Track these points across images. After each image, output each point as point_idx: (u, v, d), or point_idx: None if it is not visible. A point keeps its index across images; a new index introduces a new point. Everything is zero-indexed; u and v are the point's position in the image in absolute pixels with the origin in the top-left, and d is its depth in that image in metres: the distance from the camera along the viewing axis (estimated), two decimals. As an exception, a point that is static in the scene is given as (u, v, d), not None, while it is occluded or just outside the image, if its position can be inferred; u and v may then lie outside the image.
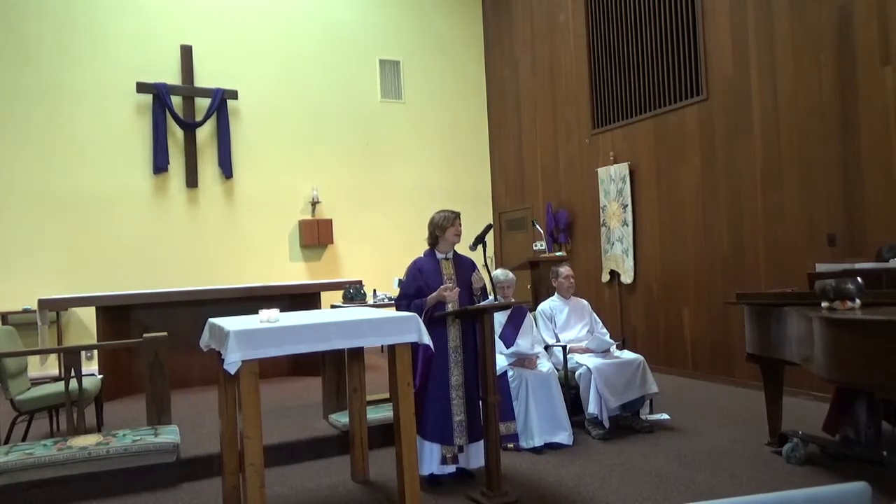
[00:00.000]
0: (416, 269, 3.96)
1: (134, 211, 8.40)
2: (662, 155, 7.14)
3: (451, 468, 3.81)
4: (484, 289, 3.98)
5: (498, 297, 4.61)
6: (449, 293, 3.78)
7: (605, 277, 7.96)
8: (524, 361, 4.58)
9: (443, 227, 3.92)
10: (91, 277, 7.98)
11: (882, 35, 5.02)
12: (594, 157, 8.17)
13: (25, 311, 7.55)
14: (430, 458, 3.77)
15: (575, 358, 4.85)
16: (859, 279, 3.47)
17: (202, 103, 8.77)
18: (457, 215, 3.96)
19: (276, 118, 9.20)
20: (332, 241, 9.29)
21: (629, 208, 7.54)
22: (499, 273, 4.77)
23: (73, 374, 4.39)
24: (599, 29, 8.01)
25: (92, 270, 8.06)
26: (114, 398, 6.07)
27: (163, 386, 4.56)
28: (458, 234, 3.96)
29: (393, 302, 6.97)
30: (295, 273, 9.17)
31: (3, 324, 7.22)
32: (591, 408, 4.58)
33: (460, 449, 3.79)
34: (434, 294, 3.78)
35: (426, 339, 3.33)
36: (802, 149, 5.65)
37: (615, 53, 7.78)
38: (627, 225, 7.57)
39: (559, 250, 8.21)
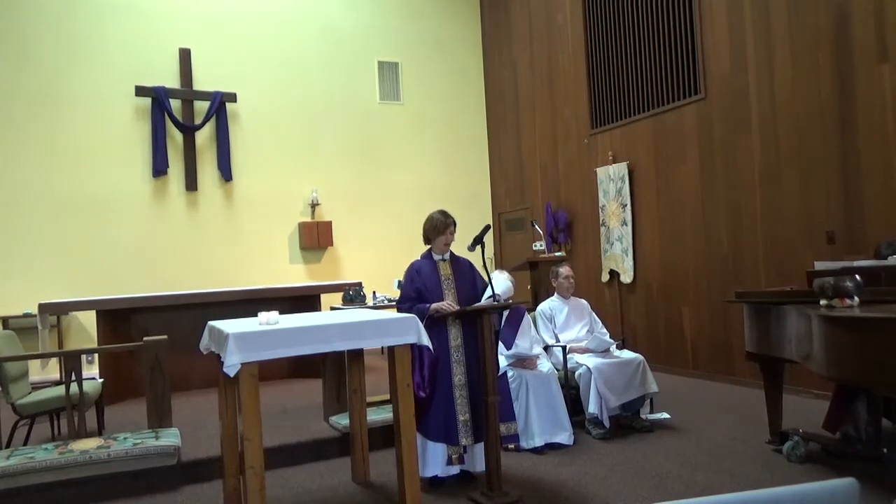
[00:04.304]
0: (413, 271, 3.97)
1: (133, 214, 8.41)
2: (661, 154, 7.15)
3: (455, 469, 3.81)
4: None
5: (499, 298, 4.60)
6: (448, 308, 3.76)
7: (605, 277, 7.97)
8: (524, 362, 4.59)
9: (435, 232, 3.94)
10: (91, 281, 7.99)
11: (879, 33, 5.03)
12: (593, 156, 8.18)
13: (26, 315, 7.57)
14: (435, 459, 3.76)
15: (575, 358, 4.85)
16: (858, 277, 3.47)
17: (201, 106, 8.78)
18: (450, 224, 3.94)
19: (275, 121, 9.21)
20: (331, 243, 9.30)
21: (628, 208, 7.54)
22: (499, 281, 4.72)
23: (73, 377, 4.39)
24: (597, 29, 8.02)
25: (92, 274, 8.07)
26: (114, 402, 6.08)
27: (163, 389, 4.57)
28: (448, 244, 3.95)
29: (392, 303, 6.99)
30: (295, 275, 9.18)
31: (4, 328, 7.22)
32: (592, 408, 4.59)
33: (465, 449, 3.79)
34: (434, 305, 3.79)
35: (425, 341, 3.34)
36: (801, 147, 5.65)
37: (613, 53, 7.79)
38: (627, 224, 7.58)
39: (559, 250, 8.22)
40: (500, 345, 4.53)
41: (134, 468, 3.92)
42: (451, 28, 10.38)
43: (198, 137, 8.77)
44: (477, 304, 3.79)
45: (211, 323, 3.48)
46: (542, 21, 9.07)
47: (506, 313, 4.23)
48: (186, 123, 8.65)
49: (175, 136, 8.68)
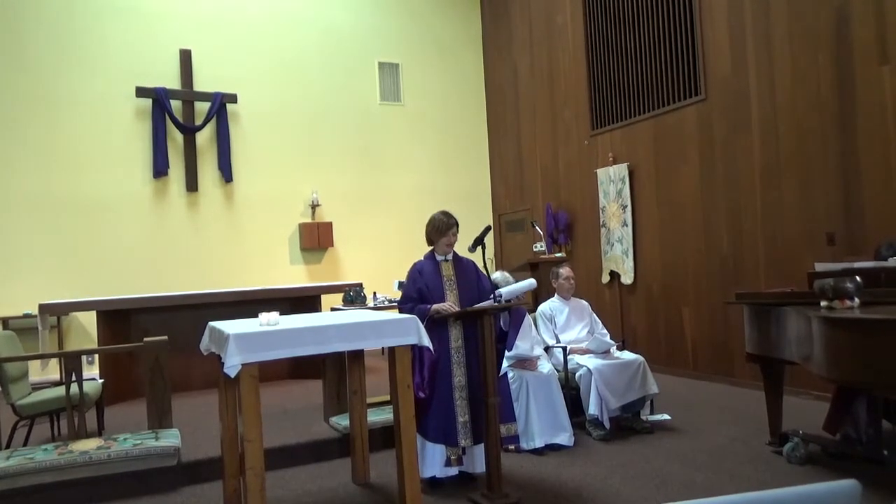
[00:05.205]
0: (415, 272, 3.97)
1: (134, 215, 8.41)
2: (661, 155, 7.15)
3: (454, 470, 3.80)
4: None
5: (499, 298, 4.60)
6: (449, 309, 3.76)
7: (606, 278, 7.96)
8: (525, 363, 4.59)
9: (437, 234, 3.94)
10: (92, 282, 7.99)
11: (879, 34, 5.03)
12: (593, 157, 8.18)
13: (26, 315, 7.57)
14: (433, 460, 3.76)
15: (575, 359, 4.84)
16: (858, 278, 3.47)
17: (202, 107, 8.79)
18: (452, 225, 3.94)
19: (275, 121, 9.21)
20: (332, 244, 9.30)
21: (629, 209, 7.54)
22: (512, 281, 4.71)
23: (73, 378, 4.39)
24: (597, 30, 8.02)
25: (92, 275, 8.07)
26: (115, 402, 6.08)
27: (164, 390, 4.57)
28: (450, 245, 3.96)
29: (393, 304, 6.99)
30: (295, 276, 9.18)
31: (4, 329, 7.22)
32: (592, 409, 4.58)
33: (464, 451, 3.79)
34: (436, 306, 3.79)
35: (425, 341, 3.34)
36: (801, 148, 5.65)
37: (613, 54, 7.79)
38: (627, 225, 7.57)
39: (559, 251, 8.22)
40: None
41: (134, 469, 3.92)
42: (452, 29, 10.39)
43: (198, 138, 8.78)
44: (477, 305, 3.79)
45: (211, 324, 3.48)
46: (542, 22, 9.08)
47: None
48: (187, 124, 8.66)
49: (175, 137, 8.68)
